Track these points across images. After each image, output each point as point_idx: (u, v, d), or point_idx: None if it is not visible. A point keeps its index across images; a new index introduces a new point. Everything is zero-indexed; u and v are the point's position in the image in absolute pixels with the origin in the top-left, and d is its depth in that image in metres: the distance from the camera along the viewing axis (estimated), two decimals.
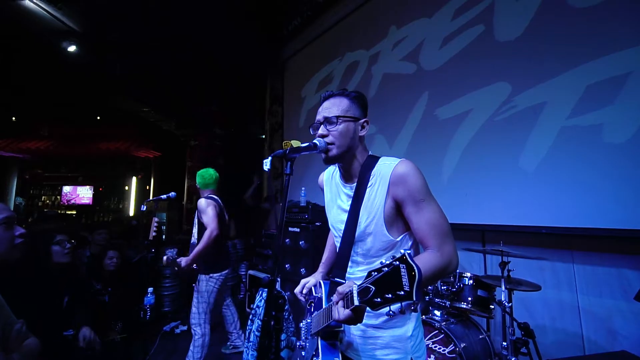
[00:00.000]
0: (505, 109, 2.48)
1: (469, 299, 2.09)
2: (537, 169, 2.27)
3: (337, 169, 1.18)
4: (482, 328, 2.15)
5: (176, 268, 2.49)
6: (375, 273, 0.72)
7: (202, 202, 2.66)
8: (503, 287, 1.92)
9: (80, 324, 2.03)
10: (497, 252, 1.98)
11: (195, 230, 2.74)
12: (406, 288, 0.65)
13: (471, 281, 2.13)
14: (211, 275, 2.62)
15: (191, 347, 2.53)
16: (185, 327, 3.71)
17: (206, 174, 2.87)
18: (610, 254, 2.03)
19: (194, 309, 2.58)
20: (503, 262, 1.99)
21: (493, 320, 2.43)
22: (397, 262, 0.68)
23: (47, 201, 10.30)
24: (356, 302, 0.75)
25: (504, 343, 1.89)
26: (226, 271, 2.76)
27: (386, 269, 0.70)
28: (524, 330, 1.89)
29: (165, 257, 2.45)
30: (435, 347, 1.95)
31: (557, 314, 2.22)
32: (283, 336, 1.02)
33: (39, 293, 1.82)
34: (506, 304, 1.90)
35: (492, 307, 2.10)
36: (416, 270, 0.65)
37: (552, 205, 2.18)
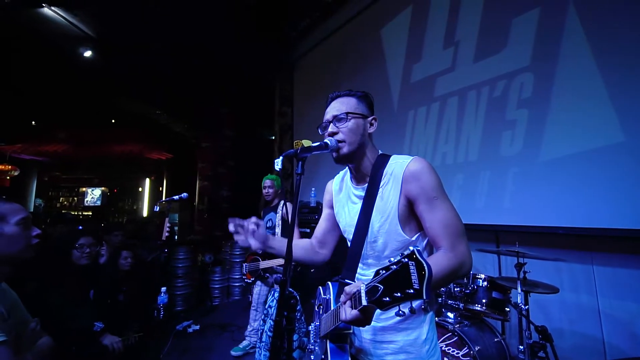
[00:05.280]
0: (521, 109, 2.42)
1: (484, 301, 2.04)
2: (553, 168, 2.21)
3: (348, 171, 1.16)
4: (497, 331, 2.10)
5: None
6: (384, 271, 0.68)
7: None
8: (519, 289, 1.87)
9: (104, 331, 2.10)
10: (513, 253, 1.93)
11: (278, 230, 2.86)
12: (416, 286, 0.61)
13: (485, 283, 2.08)
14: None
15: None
16: (197, 327, 3.75)
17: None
18: (632, 255, 1.96)
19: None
20: (519, 264, 1.93)
21: (508, 323, 2.38)
22: (406, 259, 0.64)
23: (65, 202, 10.62)
24: (364, 302, 0.70)
25: (521, 347, 1.84)
26: None
27: (394, 266, 0.66)
28: (542, 334, 1.83)
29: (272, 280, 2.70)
30: (449, 349, 1.91)
31: (576, 317, 2.15)
32: (295, 337, 1.00)
33: (63, 288, 1.90)
34: (522, 306, 1.85)
35: (508, 309, 2.05)
36: (426, 267, 0.61)
37: (569, 205, 2.11)
